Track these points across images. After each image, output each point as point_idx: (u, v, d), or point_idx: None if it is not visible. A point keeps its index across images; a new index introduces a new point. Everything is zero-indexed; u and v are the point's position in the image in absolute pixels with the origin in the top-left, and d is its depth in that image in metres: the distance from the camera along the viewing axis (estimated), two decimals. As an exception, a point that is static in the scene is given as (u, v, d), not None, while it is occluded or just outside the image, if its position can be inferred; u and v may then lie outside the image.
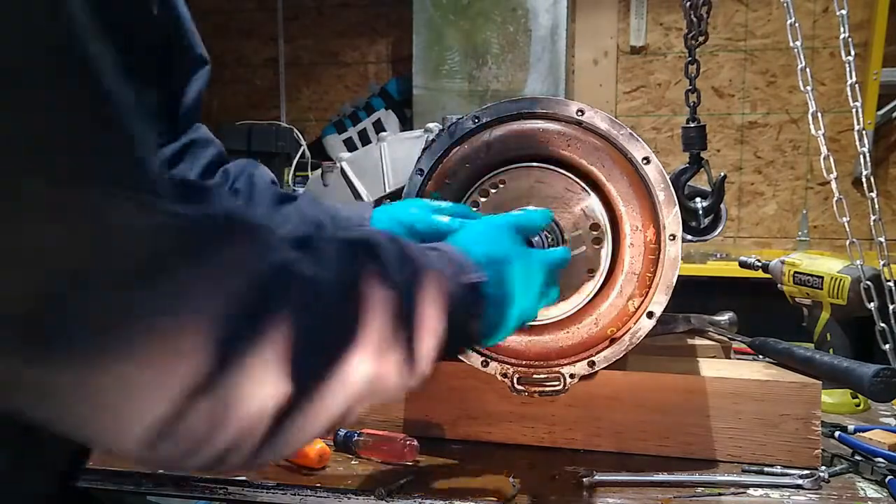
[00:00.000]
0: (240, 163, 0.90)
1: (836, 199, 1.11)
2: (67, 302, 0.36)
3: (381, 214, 0.83)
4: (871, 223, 1.10)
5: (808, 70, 1.09)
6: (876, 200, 1.09)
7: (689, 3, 1.13)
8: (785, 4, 1.09)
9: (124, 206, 0.37)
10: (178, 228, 0.39)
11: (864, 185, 1.10)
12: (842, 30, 1.09)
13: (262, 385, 0.43)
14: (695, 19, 1.13)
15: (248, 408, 0.43)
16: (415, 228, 0.79)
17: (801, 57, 1.10)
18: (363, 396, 0.50)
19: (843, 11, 1.08)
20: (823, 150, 1.09)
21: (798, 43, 1.10)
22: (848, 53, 1.09)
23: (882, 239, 1.09)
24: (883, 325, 1.06)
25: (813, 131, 1.10)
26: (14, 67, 0.34)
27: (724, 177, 1.13)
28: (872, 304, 1.05)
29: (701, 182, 1.17)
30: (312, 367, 0.46)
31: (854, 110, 1.10)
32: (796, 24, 1.10)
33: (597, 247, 0.82)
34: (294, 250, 0.46)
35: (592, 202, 0.82)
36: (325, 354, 0.47)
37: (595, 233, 0.82)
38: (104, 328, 0.38)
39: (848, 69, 1.09)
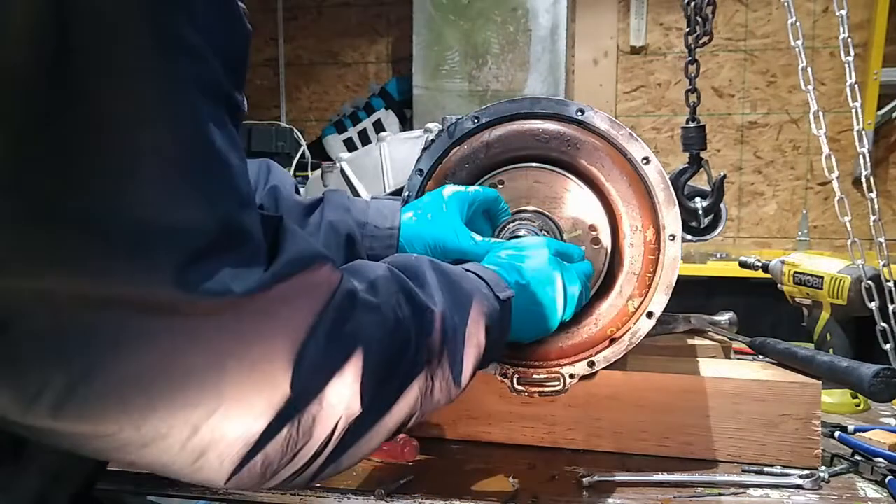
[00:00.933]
0: (255, 164, 0.88)
1: (837, 198, 1.11)
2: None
3: (408, 231, 0.82)
4: (871, 223, 1.10)
5: (809, 70, 1.09)
6: (876, 200, 1.09)
7: (693, 4, 1.13)
8: (786, 4, 1.09)
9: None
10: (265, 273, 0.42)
11: (864, 185, 1.10)
12: (841, 30, 1.09)
13: (337, 408, 0.46)
14: (699, 19, 1.13)
15: (324, 430, 0.45)
16: (443, 248, 0.81)
17: (803, 56, 1.10)
18: (415, 413, 0.54)
19: (843, 11, 1.08)
20: (825, 149, 1.09)
21: (799, 42, 1.10)
22: (847, 53, 1.08)
23: (882, 239, 1.09)
24: (884, 324, 1.06)
25: (814, 130, 1.10)
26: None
27: (724, 176, 1.13)
28: (874, 304, 1.05)
29: (701, 182, 1.17)
30: (380, 390, 0.49)
31: (854, 110, 1.10)
32: (797, 24, 1.10)
33: (596, 247, 0.82)
34: (351, 279, 0.50)
35: (592, 202, 0.82)
36: (391, 378, 0.51)
37: (594, 233, 0.82)
38: (192, 366, 0.40)
39: (848, 69, 1.09)
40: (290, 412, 0.43)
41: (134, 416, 0.39)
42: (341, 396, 0.46)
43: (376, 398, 0.49)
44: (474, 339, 0.60)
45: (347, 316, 0.47)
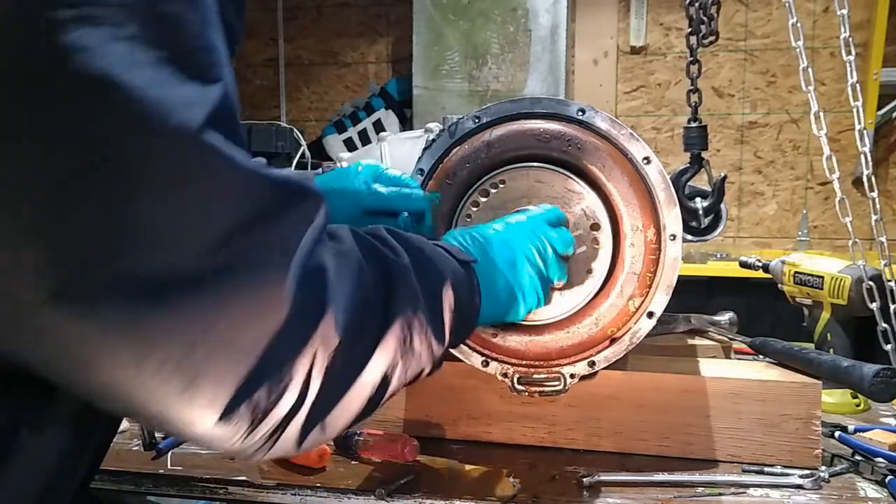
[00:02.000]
0: None
1: (838, 199, 1.11)
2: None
3: (325, 187, 0.84)
4: (872, 223, 1.10)
5: (810, 70, 1.09)
6: (876, 200, 1.09)
7: (697, 4, 1.13)
8: (787, 4, 1.09)
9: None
10: (268, 188, 0.43)
11: (865, 184, 1.10)
12: (842, 29, 1.09)
13: (320, 346, 0.46)
14: (704, 18, 1.13)
15: (303, 364, 0.45)
16: (353, 195, 0.84)
17: (803, 57, 1.09)
18: (396, 364, 0.54)
19: (844, 11, 1.08)
20: (826, 149, 1.09)
21: (800, 43, 1.09)
22: (849, 53, 1.08)
23: (883, 238, 1.09)
24: (885, 325, 1.05)
25: (815, 131, 1.10)
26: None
27: (725, 177, 1.13)
28: (875, 305, 1.05)
29: (701, 182, 1.17)
30: (355, 330, 0.49)
31: (855, 110, 1.10)
32: (798, 25, 1.10)
33: (597, 247, 0.82)
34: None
35: (592, 202, 0.82)
36: (365, 321, 0.51)
37: (595, 233, 0.82)
38: (200, 280, 0.40)
39: (849, 69, 1.09)
40: (279, 344, 0.43)
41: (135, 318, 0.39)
42: (328, 333, 0.46)
43: (352, 334, 0.48)
44: (446, 297, 0.60)
45: (320, 250, 0.47)
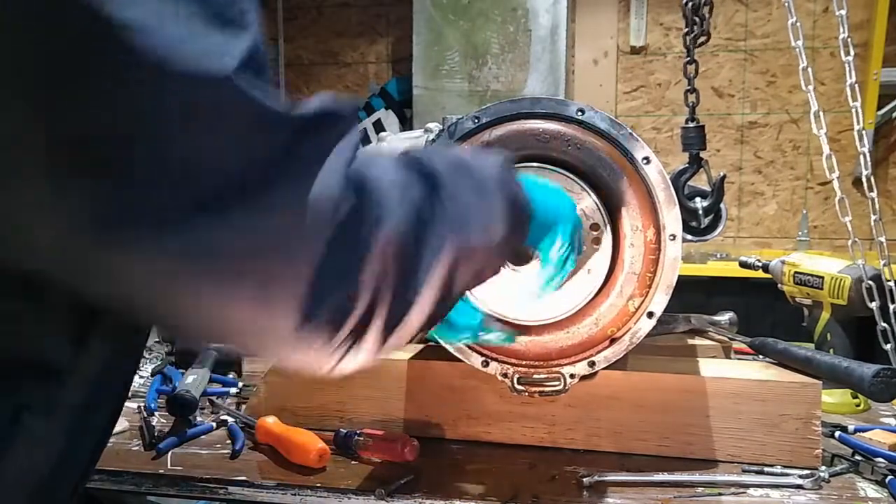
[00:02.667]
0: None
1: (838, 198, 1.11)
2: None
3: None
4: (872, 223, 1.10)
5: (809, 70, 1.09)
6: (876, 200, 1.09)
7: (690, 4, 1.13)
8: (786, 4, 1.09)
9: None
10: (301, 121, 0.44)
11: (865, 184, 1.10)
12: (841, 30, 1.09)
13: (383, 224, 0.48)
14: (696, 19, 1.13)
15: (370, 268, 0.47)
16: None
17: (803, 57, 1.09)
18: (459, 269, 0.55)
19: (843, 11, 1.08)
20: (825, 149, 1.09)
21: (800, 42, 1.10)
22: (847, 53, 1.08)
23: (882, 238, 1.09)
24: (885, 324, 1.05)
25: (815, 130, 1.10)
26: None
27: (724, 176, 1.13)
28: (874, 304, 1.05)
29: (701, 182, 1.17)
30: (412, 226, 0.51)
31: (854, 110, 1.10)
32: (798, 25, 1.10)
33: (597, 247, 0.82)
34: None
35: (592, 203, 0.82)
36: (423, 228, 0.52)
37: (595, 233, 0.82)
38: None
39: (848, 69, 1.09)
40: (340, 246, 0.45)
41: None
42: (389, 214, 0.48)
43: (408, 230, 0.50)
44: (494, 199, 0.61)
45: (363, 163, 0.49)
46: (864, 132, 1.11)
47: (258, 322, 0.44)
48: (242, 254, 0.42)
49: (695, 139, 1.15)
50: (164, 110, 0.38)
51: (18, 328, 0.45)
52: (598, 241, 0.82)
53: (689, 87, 1.16)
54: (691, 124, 1.16)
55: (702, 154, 1.16)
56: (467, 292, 0.63)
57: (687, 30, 1.15)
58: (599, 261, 0.82)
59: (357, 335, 0.49)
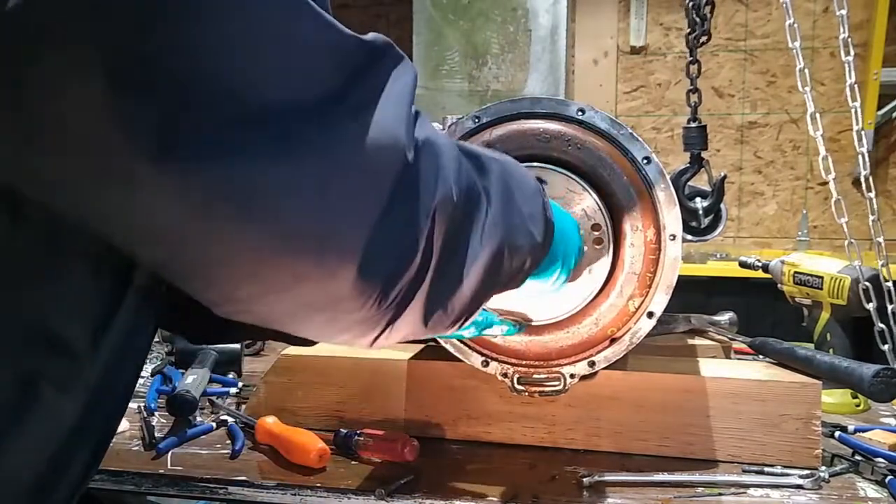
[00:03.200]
0: None
1: (833, 200, 1.11)
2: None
3: None
4: (870, 223, 1.10)
5: (806, 71, 1.09)
6: (874, 201, 1.09)
7: (691, 3, 1.13)
8: (784, 5, 1.09)
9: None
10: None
11: (863, 185, 1.10)
12: (841, 30, 1.09)
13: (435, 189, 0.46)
14: (697, 19, 1.13)
15: (425, 228, 0.45)
16: None
17: (800, 59, 1.10)
18: (505, 252, 0.55)
19: (843, 11, 1.08)
20: (822, 151, 1.09)
21: (797, 44, 1.09)
22: (847, 53, 1.08)
23: (881, 239, 1.09)
24: (882, 325, 1.06)
25: (812, 132, 1.10)
26: None
27: (725, 177, 1.13)
28: (871, 305, 1.05)
29: (701, 182, 1.17)
30: (467, 197, 0.50)
31: (853, 111, 1.10)
32: (795, 26, 1.10)
33: (598, 247, 0.82)
34: None
35: (592, 202, 0.82)
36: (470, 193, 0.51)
37: (596, 233, 0.82)
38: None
39: (847, 69, 1.09)
40: (402, 196, 0.43)
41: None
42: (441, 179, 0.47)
43: (464, 202, 0.49)
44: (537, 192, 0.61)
45: (421, 119, 0.48)
46: (863, 133, 1.11)
47: (316, 269, 0.41)
48: (311, 187, 0.39)
49: (696, 139, 1.15)
50: (238, 33, 0.36)
51: (58, 293, 0.43)
52: (599, 241, 0.82)
53: (691, 87, 1.16)
54: (693, 124, 1.16)
55: (702, 154, 1.16)
56: (505, 291, 0.62)
57: (689, 30, 1.15)
58: (599, 261, 0.82)
59: (402, 304, 0.47)
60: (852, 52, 1.09)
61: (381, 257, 0.43)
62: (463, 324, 0.56)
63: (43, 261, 0.43)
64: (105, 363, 0.47)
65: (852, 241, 1.09)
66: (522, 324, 0.82)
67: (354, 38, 0.42)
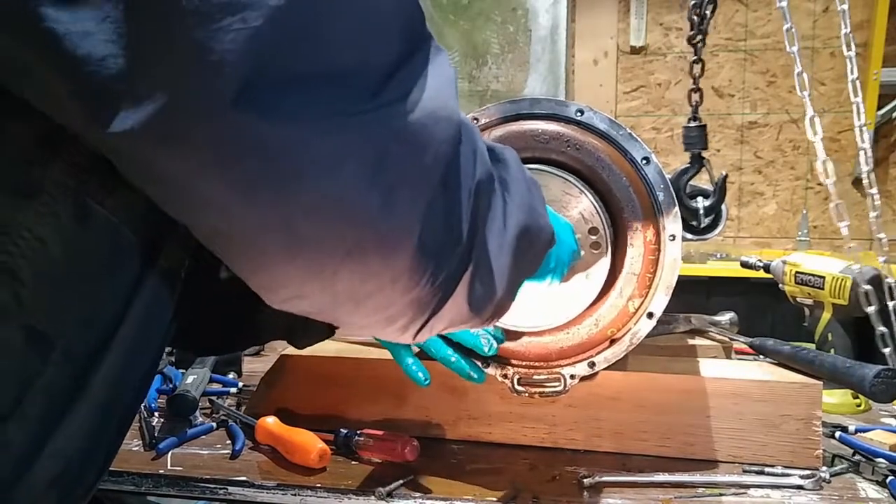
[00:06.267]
0: None
1: (832, 204, 1.11)
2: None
3: None
4: (871, 219, 1.09)
5: (805, 76, 1.09)
6: (876, 196, 1.09)
7: (692, 3, 1.13)
8: (781, 9, 1.09)
9: None
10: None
11: (865, 181, 1.10)
12: (843, 26, 1.09)
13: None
14: (696, 18, 1.13)
15: (467, 203, 0.45)
16: None
17: (799, 62, 1.09)
18: (531, 230, 0.55)
19: (845, 6, 1.08)
20: (821, 154, 1.09)
21: (794, 49, 1.09)
22: (849, 48, 1.08)
23: (882, 235, 1.08)
24: (883, 328, 1.05)
25: (811, 137, 1.09)
26: None
27: (726, 176, 1.13)
28: (871, 308, 1.05)
29: (701, 182, 1.17)
30: (492, 176, 0.50)
31: (854, 106, 1.10)
32: (793, 30, 1.09)
33: (595, 251, 0.82)
34: None
35: (590, 205, 0.82)
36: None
37: (593, 237, 0.82)
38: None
39: (849, 66, 1.09)
40: (454, 166, 0.43)
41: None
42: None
43: (491, 182, 0.49)
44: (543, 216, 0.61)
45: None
46: (863, 128, 1.10)
47: (376, 240, 0.40)
48: (371, 155, 0.38)
49: (697, 139, 1.15)
50: None
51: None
52: (596, 245, 0.82)
53: (694, 87, 1.16)
54: (693, 124, 1.16)
55: (702, 154, 1.16)
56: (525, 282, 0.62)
57: (693, 32, 1.15)
58: (598, 265, 0.82)
59: (451, 284, 0.46)
60: (853, 47, 1.09)
61: (435, 232, 0.43)
62: (503, 312, 0.56)
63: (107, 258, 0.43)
64: (130, 338, 0.47)
65: (852, 245, 1.09)
66: (500, 335, 0.83)
67: (418, 4, 0.42)
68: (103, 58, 0.33)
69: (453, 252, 0.45)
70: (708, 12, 1.12)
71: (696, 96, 1.16)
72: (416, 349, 0.84)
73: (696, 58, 1.15)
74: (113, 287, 0.45)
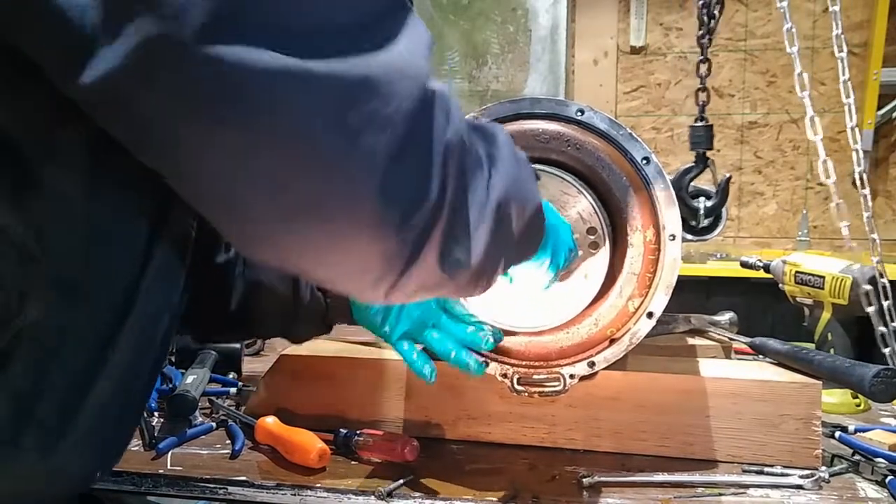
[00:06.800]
0: None
1: (834, 203, 1.11)
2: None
3: None
4: (864, 219, 1.09)
5: (805, 76, 1.09)
6: (868, 198, 1.09)
7: (701, 2, 1.13)
8: (781, 10, 1.09)
9: None
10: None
11: (857, 181, 1.10)
12: (834, 27, 1.09)
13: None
14: (705, 18, 1.13)
15: (439, 159, 0.46)
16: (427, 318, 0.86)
17: (798, 63, 1.09)
18: (512, 204, 0.55)
19: (836, 7, 1.08)
20: (822, 154, 1.09)
21: (794, 49, 1.09)
22: (840, 50, 1.08)
23: (875, 236, 1.08)
24: (882, 329, 1.05)
25: (811, 136, 1.09)
26: None
27: (729, 178, 1.13)
28: (871, 308, 1.05)
29: (701, 182, 1.17)
30: (470, 142, 0.51)
31: (847, 107, 1.10)
32: (793, 30, 1.09)
33: (593, 251, 0.82)
34: None
35: (589, 205, 0.82)
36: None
37: (592, 237, 0.82)
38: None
39: (841, 66, 1.09)
40: (423, 122, 0.45)
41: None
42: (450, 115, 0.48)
43: (469, 144, 0.50)
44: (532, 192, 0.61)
45: None
46: (857, 130, 1.10)
47: (338, 185, 0.42)
48: (336, 103, 0.40)
49: (702, 138, 1.15)
50: None
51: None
52: (595, 245, 0.82)
53: (701, 86, 1.16)
54: (700, 123, 1.16)
55: (706, 154, 1.16)
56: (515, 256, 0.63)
57: (702, 31, 1.15)
58: (597, 265, 0.82)
59: (420, 241, 0.47)
60: (845, 49, 1.09)
61: (400, 183, 0.43)
62: (484, 282, 0.56)
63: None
64: (147, 302, 0.54)
65: (852, 245, 1.09)
66: (498, 333, 0.83)
67: None
68: (82, 8, 0.37)
69: (421, 207, 0.45)
70: (717, 12, 1.12)
71: (702, 95, 1.16)
72: (420, 346, 0.84)
73: (702, 57, 1.15)
74: (129, 243, 0.51)
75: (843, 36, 1.09)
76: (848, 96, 1.09)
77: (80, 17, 0.37)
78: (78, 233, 0.49)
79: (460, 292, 0.56)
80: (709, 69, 1.15)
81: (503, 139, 0.57)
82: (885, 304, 1.05)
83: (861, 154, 1.10)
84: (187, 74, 0.37)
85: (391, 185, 0.43)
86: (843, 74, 1.09)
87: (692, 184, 1.16)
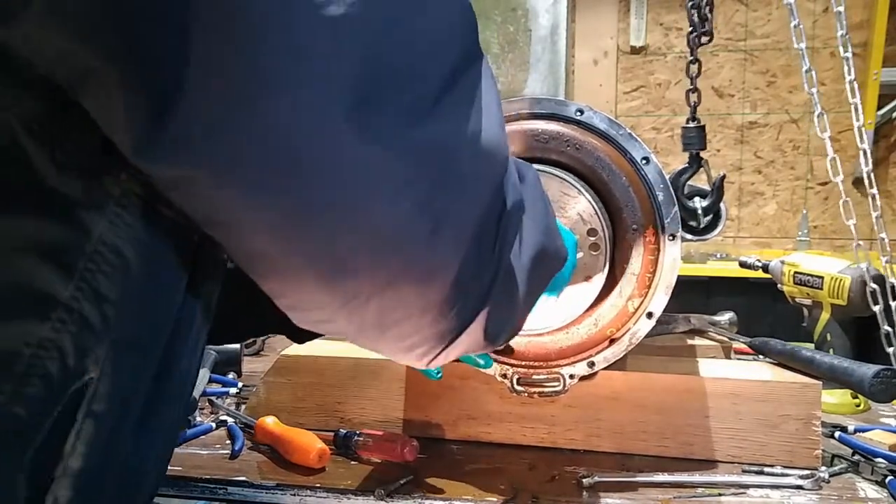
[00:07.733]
0: None
1: (842, 201, 1.10)
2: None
3: None
4: (874, 219, 1.09)
5: (813, 73, 1.09)
6: (877, 197, 1.09)
7: (690, 3, 1.13)
8: (788, 6, 1.09)
9: None
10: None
11: (865, 181, 1.09)
12: (839, 27, 1.09)
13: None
14: (697, 19, 1.13)
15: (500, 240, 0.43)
16: None
17: (806, 59, 1.09)
18: (547, 254, 0.52)
19: (841, 9, 1.08)
20: (830, 152, 1.09)
21: (802, 45, 1.09)
22: (846, 50, 1.08)
23: (884, 235, 1.08)
24: (888, 328, 1.05)
25: (819, 133, 1.09)
26: None
27: (724, 176, 1.12)
28: (878, 308, 1.05)
29: (700, 182, 1.17)
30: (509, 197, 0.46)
31: (853, 106, 1.10)
32: (801, 27, 1.09)
33: (594, 253, 0.82)
34: None
35: (590, 205, 0.82)
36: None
37: (592, 238, 0.82)
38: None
39: (846, 67, 1.09)
40: (497, 191, 0.42)
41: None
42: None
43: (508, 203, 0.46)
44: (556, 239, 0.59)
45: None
46: (863, 129, 1.10)
47: (417, 270, 0.38)
48: (427, 179, 0.35)
49: (695, 139, 1.15)
50: None
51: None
52: (595, 246, 0.82)
53: (691, 87, 1.16)
54: (692, 124, 1.16)
55: (702, 154, 1.16)
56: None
57: (691, 29, 1.15)
58: (597, 265, 0.82)
59: (473, 313, 0.44)
60: (850, 50, 1.09)
61: (471, 265, 0.41)
62: (513, 335, 0.54)
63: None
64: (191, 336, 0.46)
65: (859, 243, 1.08)
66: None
67: (475, 15, 0.39)
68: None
69: (482, 284, 0.43)
70: (708, 13, 1.12)
71: (693, 97, 1.16)
72: None
73: (692, 58, 1.15)
74: (180, 288, 0.43)
75: (847, 36, 1.09)
76: (854, 96, 1.09)
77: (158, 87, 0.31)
78: (135, 284, 0.40)
79: (488, 351, 0.54)
80: (699, 70, 1.15)
81: (533, 181, 0.53)
82: (894, 304, 1.05)
83: (868, 154, 1.09)
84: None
85: (464, 270, 0.40)
86: (849, 75, 1.09)
87: (690, 184, 1.15)
